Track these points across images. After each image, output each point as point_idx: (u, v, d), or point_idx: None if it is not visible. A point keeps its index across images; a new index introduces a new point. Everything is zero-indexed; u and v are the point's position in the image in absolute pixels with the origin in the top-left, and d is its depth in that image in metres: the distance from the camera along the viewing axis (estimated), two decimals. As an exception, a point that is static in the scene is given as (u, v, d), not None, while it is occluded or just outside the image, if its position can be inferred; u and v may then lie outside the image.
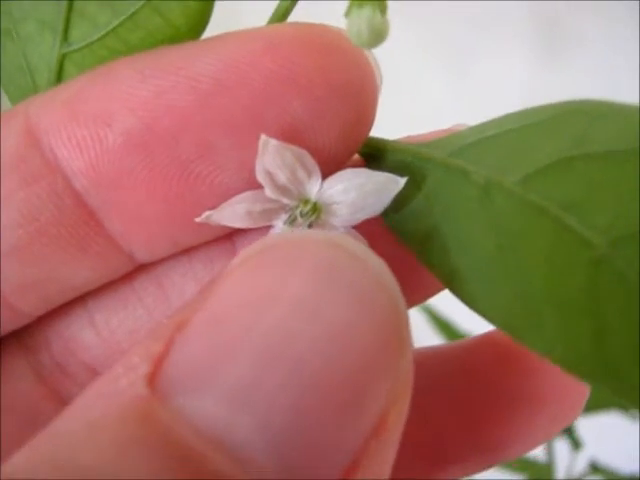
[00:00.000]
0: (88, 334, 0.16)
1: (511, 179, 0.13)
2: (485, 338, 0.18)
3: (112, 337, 0.16)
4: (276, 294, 0.10)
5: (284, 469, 0.10)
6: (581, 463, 0.41)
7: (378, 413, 0.10)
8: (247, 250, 0.11)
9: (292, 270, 0.11)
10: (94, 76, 0.14)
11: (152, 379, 0.10)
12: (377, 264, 0.11)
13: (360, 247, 0.11)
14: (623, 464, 0.40)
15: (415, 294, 0.16)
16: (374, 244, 0.14)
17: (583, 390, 0.17)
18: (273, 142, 0.13)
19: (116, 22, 0.15)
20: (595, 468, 0.41)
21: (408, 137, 0.15)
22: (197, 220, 0.14)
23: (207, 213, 0.14)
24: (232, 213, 0.14)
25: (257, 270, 0.11)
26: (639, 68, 0.55)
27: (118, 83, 0.14)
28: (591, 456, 0.41)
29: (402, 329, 0.11)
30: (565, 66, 0.65)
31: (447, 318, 0.41)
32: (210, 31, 0.15)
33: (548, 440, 0.18)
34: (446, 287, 0.14)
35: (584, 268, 0.12)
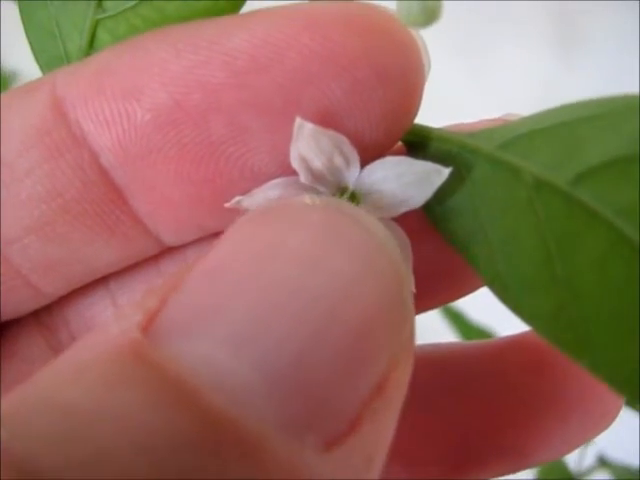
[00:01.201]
0: (110, 316, 0.15)
1: (562, 178, 0.12)
2: (517, 340, 0.17)
3: None
4: (278, 247, 0.10)
5: (284, 417, 0.09)
6: (590, 457, 0.40)
7: (381, 369, 0.10)
8: (248, 213, 0.11)
9: (294, 227, 0.11)
10: (124, 48, 0.13)
11: (145, 328, 0.10)
12: (379, 230, 0.11)
13: (361, 213, 0.11)
14: (632, 458, 0.39)
15: (457, 289, 0.16)
16: (415, 238, 0.14)
17: (617, 400, 0.17)
18: (309, 126, 0.13)
19: (153, -11, 0.14)
20: (603, 462, 0.41)
21: (454, 125, 0.14)
22: (227, 205, 0.13)
23: (237, 198, 0.13)
24: (264, 199, 0.14)
25: (258, 227, 0.11)
26: None
27: (149, 56, 0.13)
28: (599, 450, 0.40)
29: (404, 294, 0.11)
30: (582, 64, 0.64)
31: (459, 309, 0.41)
32: (248, 6, 0.14)
33: (577, 448, 0.17)
34: (489, 289, 0.13)
35: (637, 281, 0.11)
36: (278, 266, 0.10)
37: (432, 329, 0.11)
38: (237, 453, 0.09)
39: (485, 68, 0.63)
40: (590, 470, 0.41)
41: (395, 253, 0.11)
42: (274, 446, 0.09)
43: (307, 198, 0.11)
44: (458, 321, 0.41)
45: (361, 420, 0.10)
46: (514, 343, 0.17)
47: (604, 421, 0.17)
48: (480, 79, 0.62)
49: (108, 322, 0.10)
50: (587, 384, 0.16)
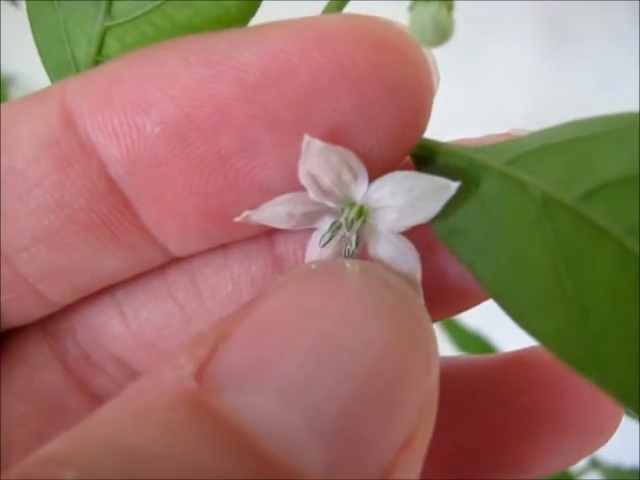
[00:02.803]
0: (116, 325, 0.15)
1: (572, 194, 0.12)
2: (517, 356, 0.17)
3: (141, 329, 0.15)
4: (323, 308, 0.11)
5: (330, 463, 0.10)
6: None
7: (412, 423, 0.11)
8: (291, 271, 0.12)
9: (336, 290, 0.11)
10: (134, 59, 0.13)
11: (199, 376, 0.10)
12: (410, 293, 0.12)
13: (394, 277, 0.12)
14: (624, 458, 0.39)
15: (463, 302, 0.15)
16: (424, 252, 0.13)
17: (615, 418, 0.17)
18: (317, 143, 0.12)
19: (164, -2, 0.13)
20: (595, 464, 0.41)
21: (463, 140, 0.14)
22: (236, 220, 0.13)
23: (246, 213, 0.13)
24: (273, 214, 0.13)
25: (303, 287, 0.11)
26: None
27: (159, 68, 0.13)
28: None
29: (433, 355, 0.11)
30: (574, 64, 0.64)
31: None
32: (258, 18, 0.14)
33: (575, 463, 0.17)
34: (496, 303, 0.13)
35: (647, 298, 0.11)
36: (323, 327, 0.11)
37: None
38: None
39: (477, 70, 0.63)
40: (582, 471, 0.41)
41: (427, 318, 0.12)
42: None
43: (348, 263, 0.12)
44: (452, 327, 0.41)
45: (391, 472, 0.10)
46: (514, 359, 0.17)
47: (602, 437, 0.17)
48: (472, 81, 0.61)
49: (161, 368, 0.11)
50: (586, 401, 0.16)
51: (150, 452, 0.09)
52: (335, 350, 0.11)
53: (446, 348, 0.40)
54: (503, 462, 0.17)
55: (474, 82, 0.62)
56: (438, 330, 0.40)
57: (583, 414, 0.16)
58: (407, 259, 0.13)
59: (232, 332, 0.11)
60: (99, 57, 0.14)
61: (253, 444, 0.10)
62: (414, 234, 0.14)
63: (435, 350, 0.12)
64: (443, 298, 0.15)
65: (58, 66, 0.14)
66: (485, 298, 0.15)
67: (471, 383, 0.17)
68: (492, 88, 0.62)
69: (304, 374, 0.10)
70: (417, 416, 0.11)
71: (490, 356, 0.18)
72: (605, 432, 0.17)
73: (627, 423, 0.18)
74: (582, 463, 0.40)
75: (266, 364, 0.10)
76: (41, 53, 0.14)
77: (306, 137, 0.12)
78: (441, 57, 0.13)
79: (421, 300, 0.13)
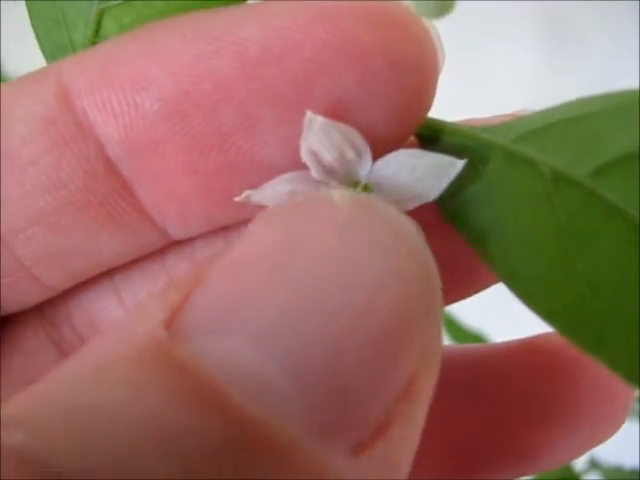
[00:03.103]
0: (114, 310, 0.15)
1: (581, 171, 0.12)
2: (525, 344, 0.17)
3: None
4: (305, 243, 0.10)
5: (313, 420, 0.09)
6: (581, 460, 0.40)
7: (408, 372, 0.10)
8: (272, 207, 0.11)
9: (321, 224, 0.10)
10: (132, 37, 0.13)
11: (169, 325, 0.09)
12: (409, 228, 0.11)
13: (392, 211, 0.11)
14: (624, 458, 0.39)
15: (469, 285, 0.15)
16: (429, 233, 0.13)
17: (624, 407, 0.16)
18: (319, 119, 0.12)
19: (161, -23, 0.13)
20: (594, 465, 0.40)
21: (469, 120, 0.14)
22: (236, 199, 0.13)
23: (247, 192, 0.13)
24: (274, 194, 0.13)
25: (284, 223, 0.10)
26: None
27: (157, 45, 0.12)
28: (591, 452, 0.40)
29: (433, 295, 0.10)
30: (573, 65, 0.64)
31: (451, 313, 0.40)
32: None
33: (584, 453, 0.17)
34: (504, 284, 0.12)
35: (659, 277, 0.11)
36: (305, 264, 0.10)
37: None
38: (264, 455, 0.09)
39: (476, 69, 0.62)
40: (582, 472, 0.40)
41: (426, 254, 0.10)
42: (302, 449, 0.09)
43: (335, 193, 0.11)
44: (452, 326, 0.40)
45: (388, 425, 0.09)
46: (521, 347, 0.17)
47: (611, 427, 0.16)
48: (470, 80, 0.61)
49: (129, 318, 0.10)
50: (595, 390, 0.16)
51: (109, 410, 0.08)
52: (320, 288, 0.09)
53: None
54: (512, 453, 0.17)
55: (474, 81, 0.62)
56: None
57: (594, 402, 0.16)
58: None
59: (208, 274, 0.10)
60: (96, 39, 0.14)
61: (221, 396, 0.09)
62: (420, 214, 0.13)
63: (438, 294, 0.10)
64: (450, 281, 0.14)
65: (55, 49, 0.14)
66: (492, 282, 0.15)
67: (479, 371, 0.17)
68: (492, 88, 0.62)
69: (283, 315, 0.09)
70: (417, 363, 0.10)
71: (499, 344, 0.17)
72: (614, 421, 0.16)
73: (627, 424, 0.17)
74: (582, 464, 0.39)
75: (241, 307, 0.09)
76: (38, 36, 0.14)
77: (308, 113, 0.12)
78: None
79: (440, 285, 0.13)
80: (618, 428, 0.16)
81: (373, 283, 0.10)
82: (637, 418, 0.38)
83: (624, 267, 0.11)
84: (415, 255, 0.10)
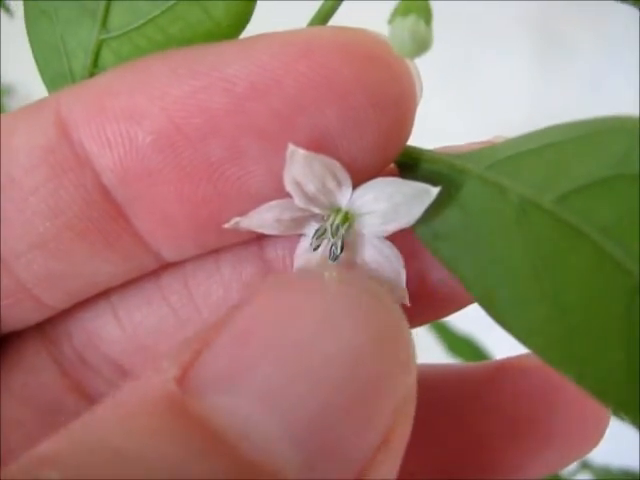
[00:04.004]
0: (111, 328, 0.15)
1: (548, 197, 0.12)
2: (505, 363, 0.17)
3: (135, 332, 0.15)
4: (300, 315, 0.11)
5: (306, 464, 0.10)
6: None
7: (387, 425, 0.11)
8: (271, 278, 0.12)
9: (313, 296, 0.12)
10: (127, 70, 0.13)
11: (181, 381, 0.11)
12: (387, 299, 0.12)
13: (372, 283, 0.12)
14: (614, 458, 0.39)
15: (448, 304, 0.16)
16: (407, 256, 0.14)
17: (602, 424, 0.17)
18: (301, 152, 0.13)
19: (157, 12, 0.14)
20: (585, 465, 0.41)
21: (445, 147, 0.15)
22: (225, 226, 0.14)
23: (235, 219, 0.14)
24: (261, 221, 0.14)
25: (281, 293, 0.12)
26: (638, 78, 0.54)
27: (151, 80, 0.13)
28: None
29: (409, 356, 0.12)
30: (564, 75, 0.64)
31: (443, 319, 0.41)
32: (249, 30, 0.14)
33: (565, 467, 0.17)
34: (478, 304, 0.13)
35: (622, 296, 0.11)
36: (299, 331, 0.11)
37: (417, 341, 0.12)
38: None
39: (469, 78, 0.63)
40: (573, 473, 0.40)
41: (404, 322, 0.12)
42: None
43: (326, 271, 0.12)
44: (443, 331, 0.41)
45: (368, 471, 0.11)
46: (502, 367, 0.17)
47: (588, 444, 0.17)
48: (464, 89, 0.62)
49: (146, 372, 0.11)
50: (572, 409, 0.16)
51: (131, 454, 0.09)
52: (311, 354, 0.11)
53: (436, 352, 0.40)
54: (489, 467, 0.17)
55: (466, 91, 0.62)
56: (429, 333, 0.40)
57: (570, 421, 0.17)
58: (392, 263, 0.14)
59: (215, 338, 0.11)
60: (95, 69, 0.14)
61: (230, 445, 0.10)
62: (398, 239, 0.14)
63: (412, 353, 0.12)
64: (428, 301, 0.15)
65: (55, 77, 0.15)
66: (469, 302, 0.15)
67: (460, 390, 0.17)
68: (484, 97, 0.62)
69: (281, 377, 0.11)
70: (393, 418, 0.11)
71: (479, 364, 0.18)
72: (591, 440, 0.17)
73: (616, 424, 0.18)
74: (573, 465, 0.40)
75: (245, 368, 0.11)
76: (38, 64, 0.15)
77: (290, 146, 0.13)
78: (433, 66, 0.14)
79: (405, 298, 0.14)
80: (595, 445, 0.17)
81: (357, 348, 0.11)
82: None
83: (589, 287, 0.12)
84: (393, 324, 0.12)
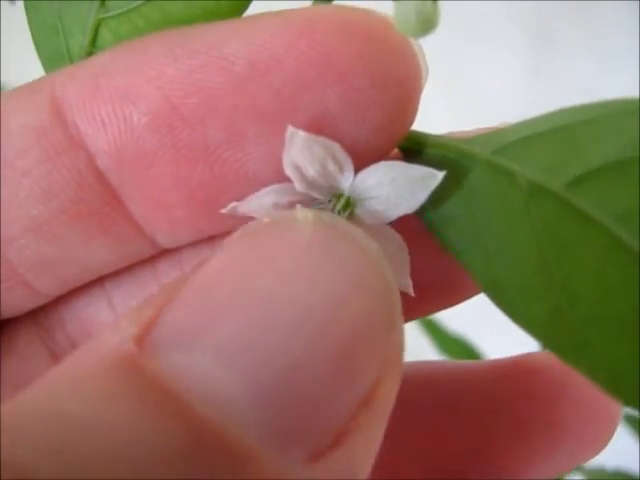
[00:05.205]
0: (105, 316, 0.15)
1: (559, 182, 0.12)
2: (513, 362, 0.17)
3: None
4: (270, 263, 0.10)
5: (270, 429, 0.09)
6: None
7: (368, 384, 0.10)
8: (239, 230, 0.11)
9: (285, 243, 0.10)
10: (122, 51, 0.13)
11: (140, 340, 0.10)
12: (369, 245, 0.11)
13: (353, 229, 0.11)
14: (606, 460, 0.39)
15: (453, 294, 0.15)
16: (412, 244, 0.13)
17: (611, 425, 0.16)
18: (301, 134, 0.12)
19: (156, -9, 0.13)
20: (577, 467, 0.40)
21: (451, 133, 0.14)
22: (223, 211, 0.13)
23: (233, 204, 0.13)
24: (259, 205, 0.13)
25: (251, 243, 0.11)
26: (633, 78, 0.53)
27: (147, 59, 0.12)
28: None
29: (393, 309, 0.10)
30: (556, 72, 0.63)
31: (436, 319, 0.40)
32: (251, 11, 0.14)
33: (567, 471, 0.17)
34: (485, 294, 0.12)
35: (636, 286, 0.11)
36: (269, 282, 0.10)
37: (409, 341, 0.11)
38: (224, 463, 0.09)
39: (459, 73, 0.62)
40: (564, 473, 0.40)
41: (386, 269, 0.11)
42: (260, 458, 0.09)
43: (299, 214, 0.11)
44: (434, 330, 0.40)
45: (347, 434, 0.10)
46: (509, 366, 0.17)
47: (595, 446, 0.16)
48: (455, 90, 0.61)
49: (104, 333, 0.10)
50: (580, 410, 0.16)
51: (83, 419, 0.09)
52: (281, 306, 0.10)
53: (429, 351, 0.39)
54: (496, 468, 0.16)
55: (458, 90, 0.61)
56: (421, 333, 0.40)
57: (578, 422, 0.16)
58: (395, 250, 0.13)
59: (177, 294, 0.10)
60: (93, 48, 0.14)
61: (185, 407, 0.09)
62: (402, 226, 0.13)
63: (397, 305, 0.10)
64: (432, 291, 0.14)
65: (52, 56, 0.14)
66: (474, 292, 0.15)
67: (465, 388, 0.17)
68: (477, 96, 0.61)
69: (246, 332, 0.10)
70: (376, 375, 0.10)
71: (485, 362, 0.17)
72: (600, 441, 0.16)
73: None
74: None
75: (207, 323, 0.10)
76: (36, 42, 0.14)
77: (289, 128, 0.12)
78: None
79: (409, 288, 0.13)
80: (602, 447, 0.16)
81: (333, 299, 0.10)
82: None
83: (600, 276, 0.11)
84: (374, 270, 0.10)
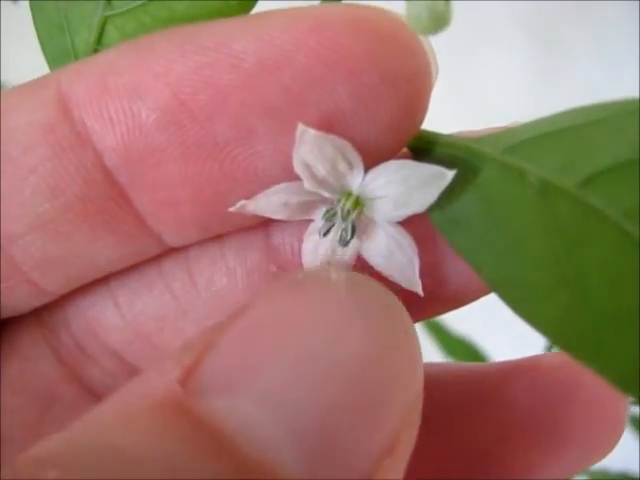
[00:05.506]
0: (111, 316, 0.15)
1: (570, 181, 0.12)
2: (521, 363, 0.16)
3: (135, 320, 0.14)
4: (305, 318, 0.11)
5: (307, 467, 0.10)
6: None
7: (393, 431, 0.11)
8: (277, 279, 0.12)
9: (320, 299, 0.11)
10: (130, 48, 0.13)
11: (184, 382, 0.10)
12: (395, 303, 0.12)
13: (380, 287, 0.12)
14: (611, 461, 0.39)
15: (463, 295, 0.15)
16: (421, 244, 0.13)
17: (617, 428, 0.16)
18: (311, 132, 0.12)
19: (163, -12, 0.13)
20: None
21: (460, 132, 0.14)
22: (231, 209, 0.13)
23: (241, 202, 0.13)
24: (268, 204, 0.13)
25: (287, 296, 0.11)
26: (637, 80, 0.54)
27: (155, 56, 0.12)
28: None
29: (417, 364, 0.11)
30: (561, 74, 0.64)
31: (440, 321, 0.40)
32: (257, 9, 0.13)
33: (575, 472, 0.17)
34: (494, 292, 0.12)
35: (647, 282, 0.11)
36: (305, 335, 0.11)
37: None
38: None
39: (464, 76, 0.62)
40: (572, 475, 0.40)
41: (408, 323, 0.11)
42: None
43: (333, 273, 0.12)
44: (439, 332, 0.40)
45: (373, 476, 0.10)
46: (518, 367, 0.16)
47: (604, 448, 0.16)
48: (459, 87, 0.61)
49: (148, 373, 0.11)
50: (589, 412, 0.16)
51: (132, 454, 0.09)
52: (317, 358, 0.10)
53: (433, 353, 0.39)
54: (503, 469, 0.16)
55: (462, 87, 0.61)
56: (425, 335, 0.39)
57: (586, 424, 0.16)
58: (404, 250, 0.13)
59: (218, 340, 0.11)
60: (98, 46, 0.14)
61: (232, 447, 0.10)
62: (412, 226, 0.13)
63: (419, 359, 0.11)
64: (442, 292, 0.14)
65: (57, 54, 0.14)
66: (484, 292, 0.15)
67: (473, 390, 0.17)
68: (481, 99, 0.61)
69: (285, 380, 0.10)
70: (400, 425, 0.11)
71: (492, 363, 0.17)
72: (607, 443, 0.16)
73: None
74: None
75: (249, 371, 0.10)
76: (41, 41, 0.14)
77: (300, 126, 0.12)
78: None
79: (418, 288, 0.13)
80: (610, 450, 0.16)
81: (363, 354, 0.11)
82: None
83: (613, 273, 0.11)
84: (400, 326, 0.11)
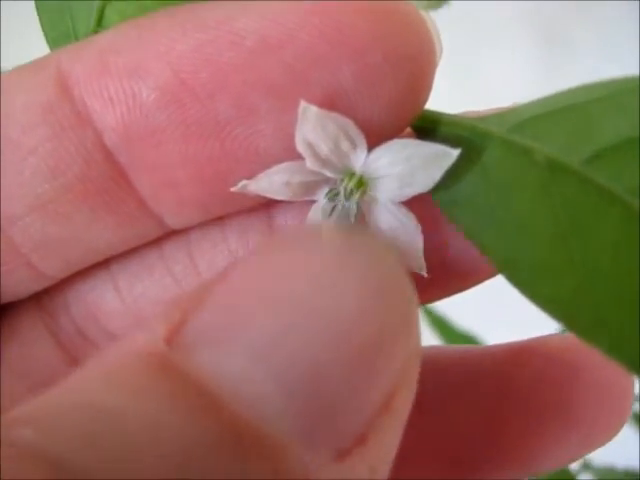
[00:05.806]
0: (111, 299, 0.14)
1: (576, 159, 0.12)
2: (523, 347, 0.16)
3: (136, 304, 0.14)
4: (296, 270, 0.10)
5: (299, 427, 0.09)
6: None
7: (388, 387, 0.10)
8: (265, 240, 0.12)
9: (311, 252, 0.11)
10: (130, 27, 0.12)
11: (169, 339, 0.10)
12: (389, 254, 0.11)
13: (373, 239, 0.11)
14: (616, 459, 0.38)
15: (468, 277, 0.15)
16: (425, 224, 0.13)
17: (622, 412, 0.16)
18: (314, 109, 0.12)
19: (164, -31, 0.13)
20: (587, 466, 0.40)
21: (465, 112, 0.14)
22: (232, 189, 0.13)
23: (243, 182, 0.13)
24: (269, 184, 0.13)
25: (278, 251, 0.11)
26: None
27: (155, 35, 0.12)
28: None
29: (411, 316, 0.11)
30: (565, 68, 0.63)
31: (442, 313, 0.40)
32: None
33: (580, 457, 0.16)
34: (500, 274, 0.12)
35: (658, 261, 0.11)
36: (295, 288, 0.10)
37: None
38: (255, 457, 0.09)
39: (466, 73, 0.62)
40: (574, 473, 0.39)
41: (405, 279, 0.11)
42: (289, 452, 0.09)
43: (325, 226, 0.12)
44: (442, 326, 0.40)
45: (368, 434, 0.10)
46: (520, 350, 0.16)
47: (608, 432, 0.16)
48: (463, 84, 0.61)
49: (133, 332, 0.10)
50: (593, 395, 0.15)
51: (113, 412, 0.09)
52: (308, 311, 0.10)
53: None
54: (508, 455, 0.16)
55: (467, 91, 0.61)
56: (429, 330, 0.39)
57: (591, 407, 0.16)
58: (408, 230, 0.13)
59: (207, 296, 0.10)
60: (99, 29, 0.14)
61: (219, 402, 0.09)
62: (416, 206, 0.13)
63: (415, 312, 0.11)
64: (447, 273, 0.14)
65: (58, 37, 0.14)
66: (490, 274, 0.14)
67: (476, 373, 0.16)
68: (485, 97, 0.61)
69: (275, 334, 0.10)
70: (396, 380, 0.10)
71: (497, 345, 0.17)
72: (612, 426, 0.16)
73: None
74: (574, 465, 0.39)
75: (236, 325, 0.10)
76: (42, 24, 0.14)
77: (302, 103, 0.12)
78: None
79: (423, 269, 0.13)
80: (615, 433, 0.16)
81: (356, 306, 0.10)
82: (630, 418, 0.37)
83: (621, 253, 0.11)
84: (394, 280, 0.11)
